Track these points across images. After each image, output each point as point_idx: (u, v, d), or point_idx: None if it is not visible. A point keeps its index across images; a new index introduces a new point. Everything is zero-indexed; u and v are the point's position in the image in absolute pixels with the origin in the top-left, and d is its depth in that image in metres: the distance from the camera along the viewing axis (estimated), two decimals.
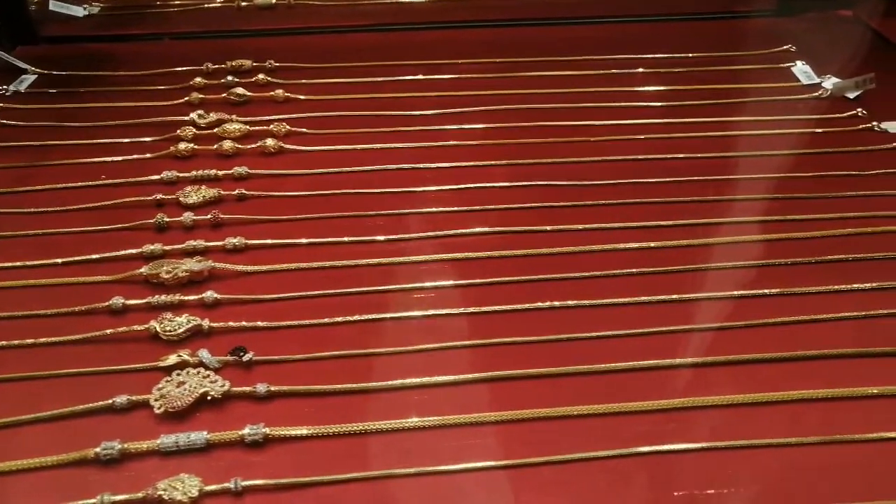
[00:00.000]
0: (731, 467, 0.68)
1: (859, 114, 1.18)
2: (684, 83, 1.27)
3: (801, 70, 1.30)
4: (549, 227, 0.96)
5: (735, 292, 0.87)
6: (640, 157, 1.09)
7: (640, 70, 1.31)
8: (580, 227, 0.96)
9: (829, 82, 1.25)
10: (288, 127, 1.12)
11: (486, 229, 0.96)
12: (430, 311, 0.84)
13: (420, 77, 1.28)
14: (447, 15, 1.50)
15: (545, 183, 1.03)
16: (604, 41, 1.40)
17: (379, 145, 1.11)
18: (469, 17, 1.49)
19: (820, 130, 1.15)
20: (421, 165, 1.07)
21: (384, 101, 1.22)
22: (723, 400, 0.74)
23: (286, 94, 1.20)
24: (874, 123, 1.15)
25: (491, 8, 1.52)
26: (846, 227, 0.96)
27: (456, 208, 1.00)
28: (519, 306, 0.84)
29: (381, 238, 0.94)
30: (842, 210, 0.99)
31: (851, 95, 1.23)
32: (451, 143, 1.12)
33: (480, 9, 1.52)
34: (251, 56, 1.30)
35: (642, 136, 1.14)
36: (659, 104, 1.21)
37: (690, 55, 1.35)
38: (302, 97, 1.22)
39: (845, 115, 1.18)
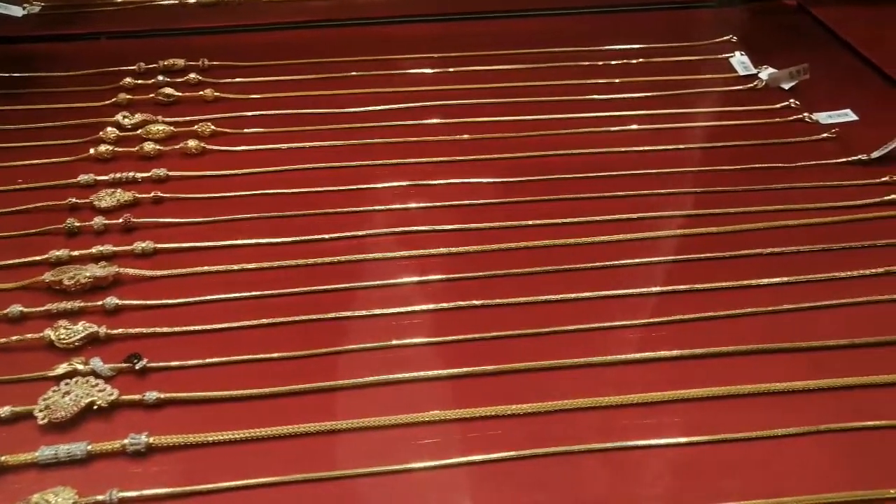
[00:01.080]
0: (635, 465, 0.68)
1: (791, 105, 1.17)
2: (622, 75, 1.27)
3: (739, 61, 1.29)
4: (473, 225, 0.95)
5: (651, 289, 0.86)
6: (579, 150, 1.09)
7: (578, 63, 1.30)
8: (505, 224, 0.95)
9: (765, 73, 1.24)
10: (213, 127, 1.11)
11: (413, 228, 0.95)
12: (343, 314, 0.83)
13: (353, 74, 1.27)
14: (392, 10, 1.49)
15: (475, 180, 1.03)
16: (543, 34, 1.39)
17: (308, 144, 1.10)
18: (412, 13, 1.48)
19: (750, 122, 1.15)
20: (346, 164, 1.06)
21: (319, 98, 1.21)
22: (624, 400, 0.74)
23: (215, 94, 1.19)
24: (805, 114, 1.15)
25: (433, 2, 1.51)
26: (768, 221, 0.95)
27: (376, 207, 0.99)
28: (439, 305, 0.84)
29: (288, 240, 0.92)
30: (763, 203, 0.98)
31: (786, 86, 1.22)
32: (378, 140, 1.11)
33: (422, 3, 1.50)
34: (192, 55, 1.29)
35: (583, 130, 1.13)
36: (598, 97, 1.21)
37: (634, 46, 1.34)
38: (234, 96, 1.20)
39: (777, 106, 1.18)
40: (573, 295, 0.85)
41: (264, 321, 0.81)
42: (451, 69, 1.28)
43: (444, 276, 0.88)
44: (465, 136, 1.11)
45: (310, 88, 1.23)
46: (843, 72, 1.28)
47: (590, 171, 1.04)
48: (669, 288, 0.86)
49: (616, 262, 0.90)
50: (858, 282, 0.87)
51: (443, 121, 1.16)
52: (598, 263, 0.90)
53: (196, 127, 1.10)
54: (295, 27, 1.44)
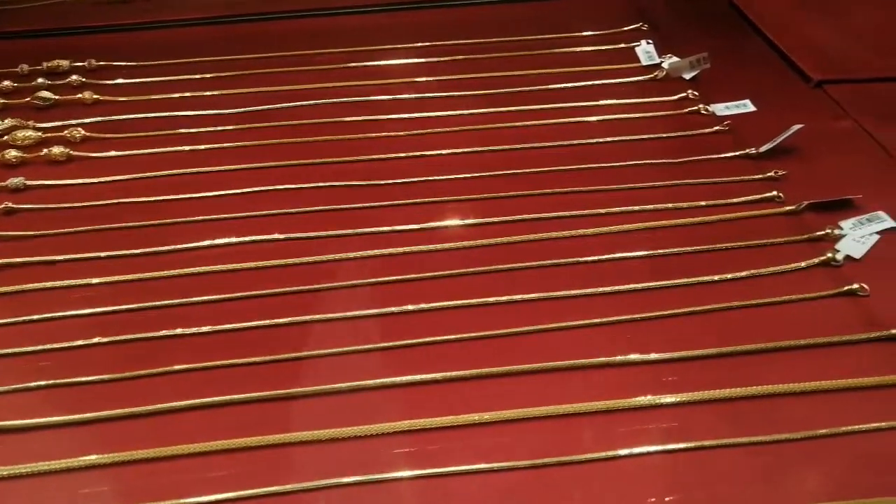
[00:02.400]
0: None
1: (689, 96, 1.13)
2: (526, 67, 1.22)
3: (644, 50, 1.24)
4: (330, 232, 0.91)
5: (511, 296, 0.83)
6: (465, 150, 1.04)
7: (474, 56, 1.26)
8: (367, 230, 0.91)
9: (667, 62, 1.20)
10: (83, 132, 1.07)
11: (285, 236, 0.91)
12: (229, 326, 0.80)
13: (253, 72, 1.22)
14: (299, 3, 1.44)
15: (343, 183, 0.99)
16: (453, 24, 1.35)
17: (188, 147, 1.06)
18: (322, 6, 1.42)
19: (644, 115, 1.10)
20: (217, 168, 1.02)
21: (213, 98, 1.16)
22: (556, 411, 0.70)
23: (95, 97, 1.15)
24: (700, 106, 1.10)
25: None
26: (643, 221, 0.91)
27: (254, 213, 0.94)
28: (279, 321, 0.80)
29: (135, 252, 0.89)
30: (641, 202, 0.94)
31: (687, 76, 1.17)
32: (252, 143, 1.07)
33: None
34: (87, 54, 1.24)
35: (474, 127, 1.09)
36: (492, 92, 1.17)
37: (540, 37, 1.29)
38: (118, 98, 1.16)
39: (675, 97, 1.13)
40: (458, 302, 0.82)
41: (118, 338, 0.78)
42: (364, 63, 1.24)
43: (335, 284, 0.84)
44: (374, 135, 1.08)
45: (204, 88, 1.19)
46: (753, 61, 1.24)
47: (481, 171, 1.00)
48: (505, 298, 0.82)
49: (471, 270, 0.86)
50: (729, 285, 0.83)
51: (356, 118, 1.11)
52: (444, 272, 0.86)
53: (66, 132, 1.06)
54: (196, 24, 1.39)
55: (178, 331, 0.79)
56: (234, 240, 0.90)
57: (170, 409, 0.71)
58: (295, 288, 0.84)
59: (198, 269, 0.86)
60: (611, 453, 0.66)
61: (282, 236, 0.91)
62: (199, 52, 1.28)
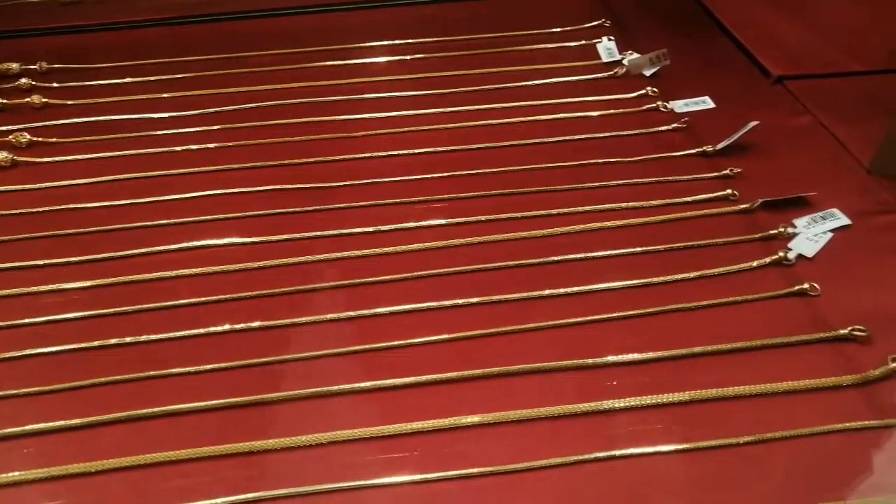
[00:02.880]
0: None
1: (649, 93, 1.11)
2: (489, 65, 1.20)
3: (605, 47, 1.22)
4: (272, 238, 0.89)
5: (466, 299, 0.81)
6: (425, 150, 1.02)
7: (438, 55, 1.24)
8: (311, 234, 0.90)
9: (627, 59, 1.18)
10: (29, 137, 1.04)
11: (245, 239, 0.89)
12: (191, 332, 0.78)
13: (206, 73, 1.20)
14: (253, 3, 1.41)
15: (291, 186, 0.97)
16: (414, 23, 1.33)
17: (133, 152, 1.04)
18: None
19: (602, 113, 1.08)
20: (158, 173, 1.00)
21: (166, 101, 1.14)
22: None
23: (44, 100, 1.13)
24: (659, 103, 1.09)
25: None
26: (597, 221, 0.89)
27: (217, 217, 0.92)
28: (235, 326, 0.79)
29: (73, 260, 0.87)
30: (596, 201, 0.92)
31: (647, 73, 1.16)
32: (213, 145, 1.05)
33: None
34: (42, 57, 1.22)
35: (435, 127, 1.07)
36: (454, 91, 1.15)
37: (503, 34, 1.28)
38: (69, 102, 1.14)
39: (633, 94, 1.11)
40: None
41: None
42: (318, 63, 1.23)
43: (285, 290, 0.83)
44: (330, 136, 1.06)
45: (160, 91, 1.17)
46: (716, 58, 1.22)
47: (430, 172, 0.98)
48: (451, 302, 0.80)
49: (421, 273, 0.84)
50: (678, 286, 0.81)
51: (314, 119, 1.09)
52: (393, 275, 0.84)
53: (10, 137, 1.04)
54: (150, 25, 1.36)
55: (143, 338, 0.77)
56: (199, 243, 0.89)
57: (138, 416, 0.70)
58: (264, 291, 0.82)
59: (160, 273, 0.85)
60: (558, 460, 0.65)
61: (247, 240, 0.89)
62: (152, 54, 1.25)
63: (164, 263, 0.86)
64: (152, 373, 0.74)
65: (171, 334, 0.78)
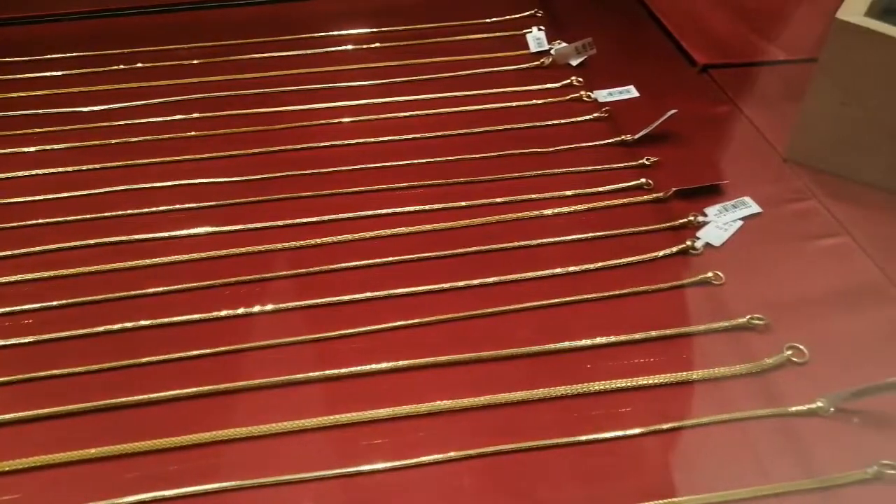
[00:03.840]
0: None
1: (573, 82, 1.10)
2: (415, 56, 1.18)
3: (534, 37, 1.21)
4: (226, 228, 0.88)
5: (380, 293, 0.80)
6: (351, 141, 1.01)
7: (366, 46, 1.22)
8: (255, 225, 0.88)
9: (554, 49, 1.17)
10: None
11: (215, 228, 0.87)
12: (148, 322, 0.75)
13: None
14: None
15: (210, 180, 0.95)
16: (321, 15, 1.30)
17: (88, 143, 1.01)
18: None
19: (526, 103, 1.07)
20: (121, 164, 0.97)
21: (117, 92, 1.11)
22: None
23: None
24: (583, 93, 1.08)
25: None
26: (515, 212, 0.89)
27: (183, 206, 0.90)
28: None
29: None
30: (514, 192, 0.91)
31: (574, 62, 1.15)
32: (165, 136, 1.02)
33: None
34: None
35: (367, 118, 1.05)
36: (375, 82, 1.13)
37: (430, 25, 1.26)
38: (22, 94, 1.11)
39: (558, 84, 1.11)
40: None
41: None
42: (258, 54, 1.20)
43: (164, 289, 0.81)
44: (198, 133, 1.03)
45: (114, 81, 1.14)
46: (645, 47, 1.21)
47: (330, 165, 0.97)
48: (385, 293, 0.79)
49: (352, 264, 0.83)
50: (587, 276, 0.81)
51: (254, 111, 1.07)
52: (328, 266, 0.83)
53: None
54: (114, 15, 1.32)
55: (102, 328, 0.76)
56: (164, 234, 0.87)
57: (106, 406, 0.69)
58: (231, 280, 0.81)
59: (122, 264, 0.83)
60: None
61: (217, 229, 0.87)
62: (105, 44, 1.22)
63: (129, 253, 0.85)
64: (117, 363, 0.72)
65: (136, 323, 0.76)
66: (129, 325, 0.76)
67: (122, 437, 0.66)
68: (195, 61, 1.18)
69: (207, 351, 0.74)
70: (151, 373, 0.72)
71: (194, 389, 0.70)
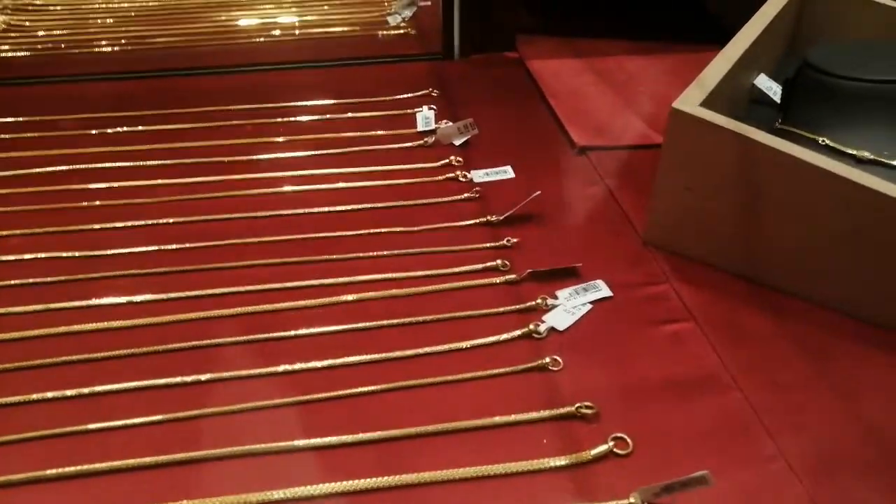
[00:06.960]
0: None
1: (453, 162, 1.11)
2: (332, 131, 1.20)
3: (423, 116, 1.22)
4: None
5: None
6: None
7: (253, 121, 1.23)
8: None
9: (439, 129, 1.18)
10: None
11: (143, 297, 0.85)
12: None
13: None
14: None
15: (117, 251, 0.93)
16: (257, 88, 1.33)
17: (27, 208, 1.01)
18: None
19: (403, 182, 1.07)
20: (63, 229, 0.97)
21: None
22: None
23: None
24: (459, 172, 1.08)
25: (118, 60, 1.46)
26: (377, 290, 0.88)
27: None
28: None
29: None
30: (379, 270, 0.91)
31: (457, 142, 1.16)
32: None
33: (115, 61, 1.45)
34: None
35: (270, 190, 1.06)
36: (263, 157, 1.13)
37: (326, 102, 1.28)
38: None
39: (439, 163, 1.11)
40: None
41: None
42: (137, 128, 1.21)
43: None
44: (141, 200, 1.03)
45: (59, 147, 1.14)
46: (532, 128, 1.22)
47: (226, 237, 0.96)
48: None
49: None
50: (433, 359, 0.79)
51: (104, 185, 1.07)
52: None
53: None
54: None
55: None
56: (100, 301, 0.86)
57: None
58: (160, 347, 0.78)
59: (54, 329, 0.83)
60: None
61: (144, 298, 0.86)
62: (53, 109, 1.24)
63: (60, 319, 0.83)
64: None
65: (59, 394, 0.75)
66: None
67: None
68: (109, 130, 1.20)
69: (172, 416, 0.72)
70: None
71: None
